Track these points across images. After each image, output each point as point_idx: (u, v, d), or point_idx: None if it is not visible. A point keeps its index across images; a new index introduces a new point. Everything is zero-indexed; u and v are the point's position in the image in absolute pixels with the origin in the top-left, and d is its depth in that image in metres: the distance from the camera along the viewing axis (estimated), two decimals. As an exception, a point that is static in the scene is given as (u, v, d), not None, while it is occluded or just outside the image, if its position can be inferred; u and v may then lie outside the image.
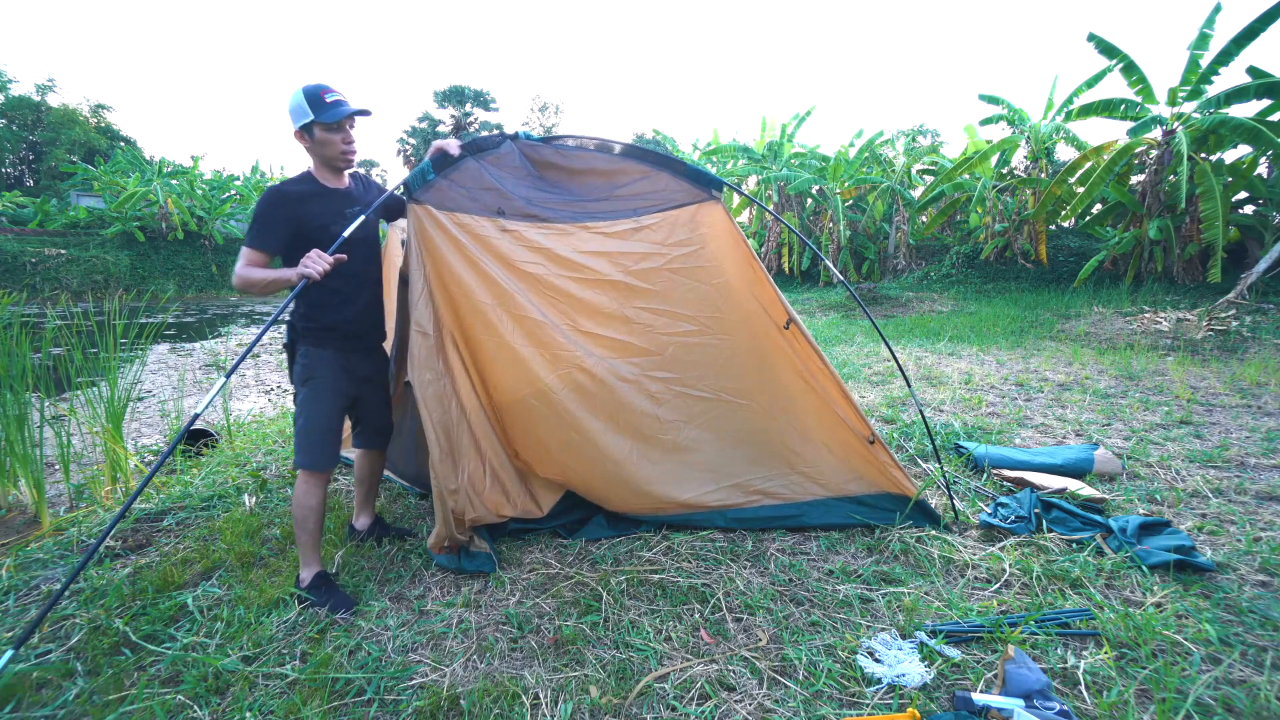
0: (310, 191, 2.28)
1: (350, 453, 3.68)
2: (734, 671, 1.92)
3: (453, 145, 2.49)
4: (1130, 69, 11.07)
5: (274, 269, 2.18)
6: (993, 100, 14.05)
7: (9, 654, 1.59)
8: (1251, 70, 10.07)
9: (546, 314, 2.59)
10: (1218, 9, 10.25)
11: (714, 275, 2.74)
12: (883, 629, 2.10)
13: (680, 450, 2.76)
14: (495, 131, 3.19)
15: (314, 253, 2.13)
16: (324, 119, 2.19)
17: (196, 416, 1.85)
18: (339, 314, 2.36)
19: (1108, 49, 11.01)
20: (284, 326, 2.40)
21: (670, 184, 2.71)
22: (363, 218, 2.25)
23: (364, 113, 2.26)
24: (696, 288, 2.74)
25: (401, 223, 3.33)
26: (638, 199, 2.71)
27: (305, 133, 2.23)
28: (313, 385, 2.34)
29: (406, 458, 3.37)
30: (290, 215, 2.22)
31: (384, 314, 2.61)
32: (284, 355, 2.54)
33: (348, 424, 2.90)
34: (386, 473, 3.48)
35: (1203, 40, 10.29)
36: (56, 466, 3.71)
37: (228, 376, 1.96)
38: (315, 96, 2.18)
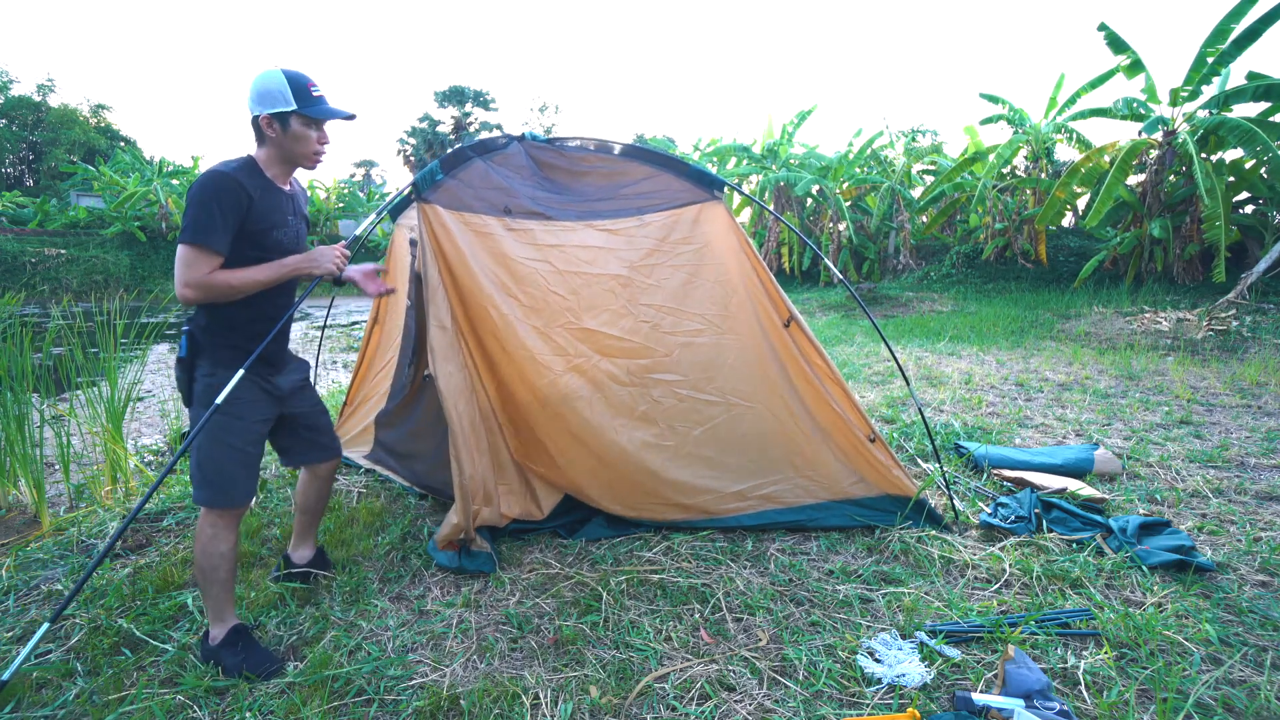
0: (259, 186, 1.92)
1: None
2: (734, 671, 1.92)
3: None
4: (1135, 67, 11.05)
5: (264, 265, 1.88)
6: (993, 99, 14.08)
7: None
8: (1250, 75, 10.07)
9: (551, 315, 2.59)
10: (1252, 1, 9.55)
11: (718, 273, 2.75)
12: (883, 629, 2.10)
13: (682, 457, 2.74)
14: (496, 131, 3.20)
15: (337, 247, 1.98)
16: (309, 112, 1.91)
17: (192, 438, 1.82)
18: (264, 347, 1.95)
19: (1116, 42, 10.98)
20: (182, 334, 1.94)
21: (673, 184, 2.74)
22: (374, 216, 2.23)
23: (350, 116, 2.00)
24: (701, 285, 2.74)
25: (408, 220, 3.34)
26: (642, 198, 2.73)
27: (278, 122, 1.91)
28: (222, 408, 1.86)
29: (407, 457, 3.37)
30: (241, 210, 1.84)
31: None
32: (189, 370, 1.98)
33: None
34: (387, 473, 3.47)
35: (1219, 36, 10.01)
36: (56, 466, 3.71)
37: (210, 413, 1.78)
38: (301, 86, 1.90)
